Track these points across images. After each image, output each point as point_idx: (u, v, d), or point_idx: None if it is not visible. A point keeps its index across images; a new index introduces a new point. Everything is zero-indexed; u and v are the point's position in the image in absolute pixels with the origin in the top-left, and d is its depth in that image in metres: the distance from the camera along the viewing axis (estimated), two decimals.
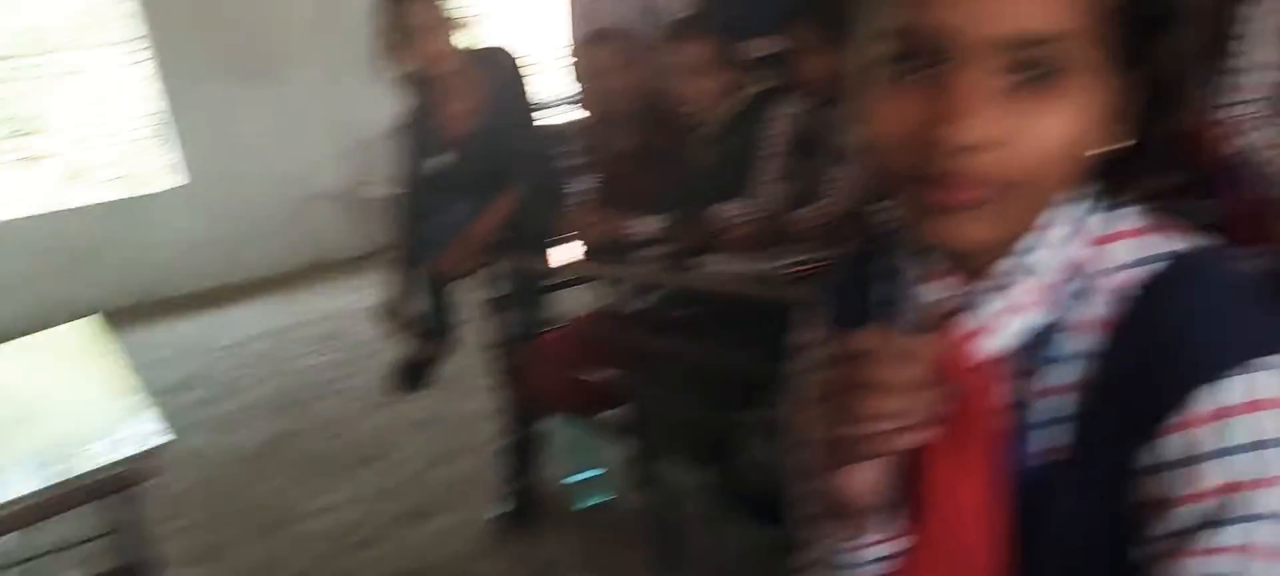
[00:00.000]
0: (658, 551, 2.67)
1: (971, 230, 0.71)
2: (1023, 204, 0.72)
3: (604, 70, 2.79)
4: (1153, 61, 0.73)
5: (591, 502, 3.07)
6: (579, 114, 3.03)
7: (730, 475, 2.33)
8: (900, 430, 0.72)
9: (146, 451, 1.65)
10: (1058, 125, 0.69)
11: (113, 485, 1.65)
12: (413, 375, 3.22)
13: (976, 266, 0.78)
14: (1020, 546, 0.78)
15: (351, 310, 6.38)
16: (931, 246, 0.80)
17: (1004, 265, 0.77)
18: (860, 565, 0.81)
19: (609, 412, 2.83)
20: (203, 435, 4.36)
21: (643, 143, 2.78)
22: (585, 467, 3.08)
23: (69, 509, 1.88)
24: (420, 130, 2.99)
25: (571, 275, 3.04)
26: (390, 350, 3.26)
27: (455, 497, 3.33)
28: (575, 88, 2.95)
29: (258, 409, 4.66)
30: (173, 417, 4.61)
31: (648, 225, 2.58)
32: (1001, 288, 0.77)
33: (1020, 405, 0.78)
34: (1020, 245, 0.76)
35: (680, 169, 2.64)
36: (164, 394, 4.96)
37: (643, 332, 2.50)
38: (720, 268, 2.18)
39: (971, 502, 0.78)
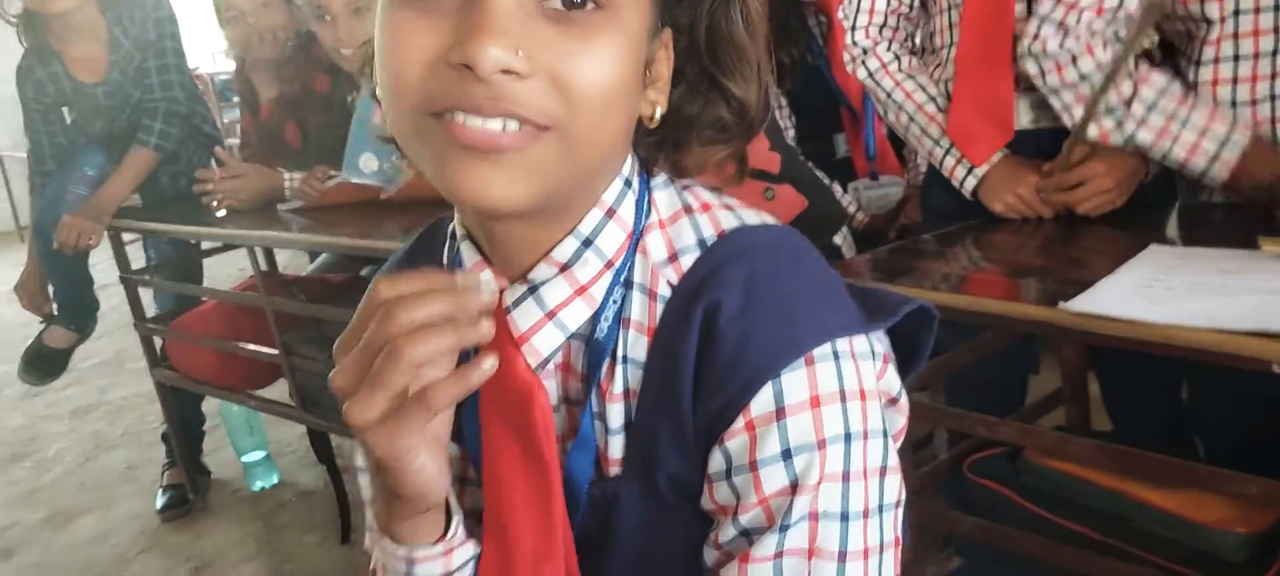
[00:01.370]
0: (338, 527, 2.50)
1: (498, 183, 0.60)
2: (557, 159, 0.61)
3: (248, 10, 2.53)
4: (703, 23, 0.67)
5: (262, 485, 2.85)
6: (226, 59, 2.75)
7: None
8: (437, 376, 0.61)
9: None
10: (598, 63, 0.60)
11: None
12: (47, 362, 2.85)
13: (515, 256, 0.69)
14: (591, 558, 0.71)
15: (5, 287, 5.68)
16: (464, 213, 0.70)
17: (566, 245, 0.67)
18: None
19: (273, 387, 2.61)
20: None
21: (294, 90, 2.54)
22: (252, 449, 2.84)
23: None
24: (41, 80, 2.61)
25: (220, 241, 2.77)
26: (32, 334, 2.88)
27: (112, 493, 3.01)
28: (222, 30, 2.66)
29: None
30: None
31: (299, 180, 2.36)
32: (564, 270, 0.68)
33: (578, 407, 0.71)
34: (585, 224, 0.67)
35: (334, 117, 2.44)
36: None
37: (301, 298, 2.30)
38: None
39: (529, 512, 0.70)
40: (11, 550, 2.76)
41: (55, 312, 2.82)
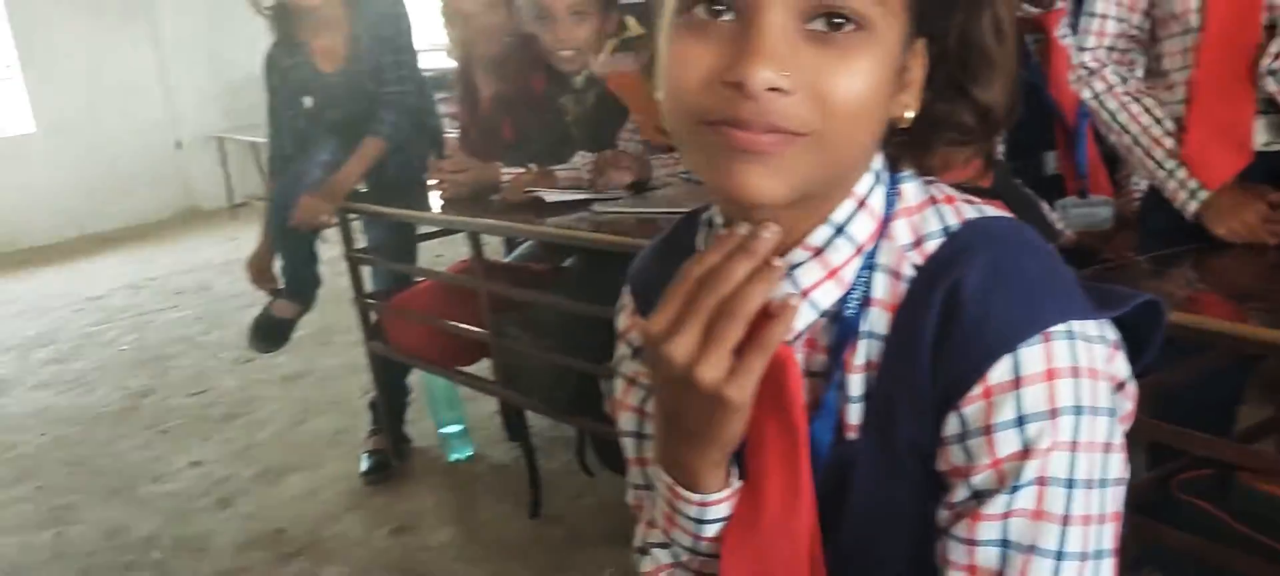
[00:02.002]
0: (528, 501, 2.63)
1: (761, 181, 0.68)
2: (813, 160, 0.69)
3: (472, 11, 2.69)
4: (955, 32, 0.73)
5: (458, 456, 3.02)
6: (448, 57, 2.93)
7: (594, 426, 2.30)
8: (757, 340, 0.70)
9: None
10: (855, 79, 0.68)
11: None
12: (273, 332, 3.10)
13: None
14: (826, 516, 0.78)
15: (217, 262, 6.16)
16: (728, 206, 0.78)
17: (820, 233, 0.75)
18: (702, 526, 0.79)
19: (475, 365, 2.78)
20: (56, 395, 4.15)
21: (514, 87, 2.70)
22: (452, 421, 3.02)
23: None
24: (287, 68, 2.85)
25: (438, 226, 2.96)
26: (260, 303, 3.14)
27: (319, 454, 3.24)
28: (445, 29, 2.85)
29: (115, 366, 4.46)
30: (24, 375, 4.45)
31: (514, 175, 2.50)
32: (818, 254, 0.75)
33: (820, 379, 0.77)
34: (838, 213, 0.75)
35: (549, 116, 2.58)
36: (15, 350, 4.71)
37: (508, 284, 2.44)
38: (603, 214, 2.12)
39: (779, 474, 0.77)
40: (229, 500, 3.02)
41: (281, 287, 3.07)
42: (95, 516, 3.02)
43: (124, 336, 4.90)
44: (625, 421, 0.92)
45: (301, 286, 3.03)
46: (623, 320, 0.93)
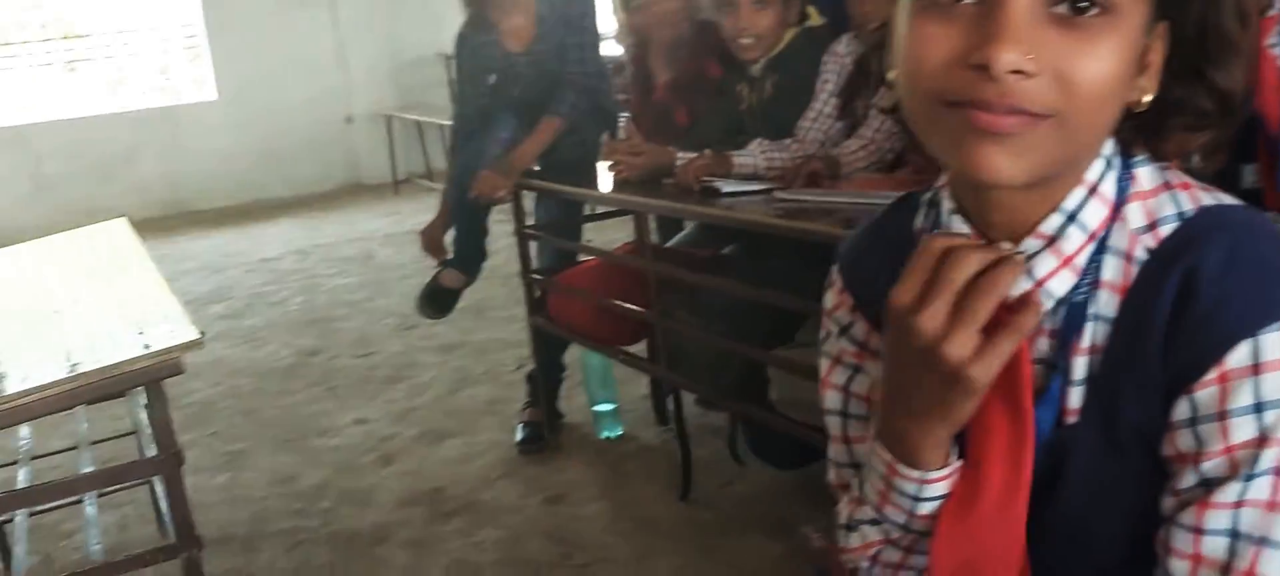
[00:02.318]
0: (678, 483, 2.67)
1: (1002, 162, 0.69)
2: (1054, 143, 0.69)
3: None
4: (1196, 14, 0.72)
5: (609, 434, 3.07)
6: (617, 43, 3.00)
7: (753, 414, 2.31)
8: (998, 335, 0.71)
9: (173, 347, 1.65)
10: (1098, 63, 0.68)
11: (139, 377, 1.65)
12: (440, 301, 3.22)
13: (1006, 224, 0.76)
14: (1041, 501, 0.78)
15: (380, 234, 6.41)
16: (964, 188, 0.78)
17: (1052, 220, 0.75)
18: (918, 504, 0.80)
19: (635, 346, 2.83)
20: (229, 347, 4.40)
21: (689, 73, 2.73)
22: (605, 400, 3.07)
23: (95, 399, 1.90)
24: (477, 47, 2.96)
25: (608, 206, 3.02)
26: (421, 273, 3.27)
27: (476, 421, 3.35)
28: (619, 15, 2.91)
29: (285, 324, 4.70)
30: (200, 328, 4.69)
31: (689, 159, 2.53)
32: (1051, 243, 0.75)
33: (1044, 365, 0.78)
34: (1069, 200, 0.75)
35: (723, 104, 2.60)
36: (191, 306, 4.99)
37: (674, 266, 2.48)
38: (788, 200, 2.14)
39: (1002, 457, 0.77)
40: (391, 457, 3.15)
41: (450, 258, 3.19)
42: (266, 463, 3.19)
43: (293, 297, 5.16)
44: (830, 400, 0.93)
45: (470, 259, 3.15)
46: (830, 298, 0.94)
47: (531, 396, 3.16)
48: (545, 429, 3.09)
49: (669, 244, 2.88)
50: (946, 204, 0.81)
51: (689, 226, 2.85)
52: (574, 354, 3.13)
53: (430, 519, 2.72)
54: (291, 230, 6.86)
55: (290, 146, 7.93)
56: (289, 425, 3.49)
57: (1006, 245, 0.74)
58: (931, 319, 0.71)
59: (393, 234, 6.33)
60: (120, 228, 2.78)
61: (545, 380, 3.09)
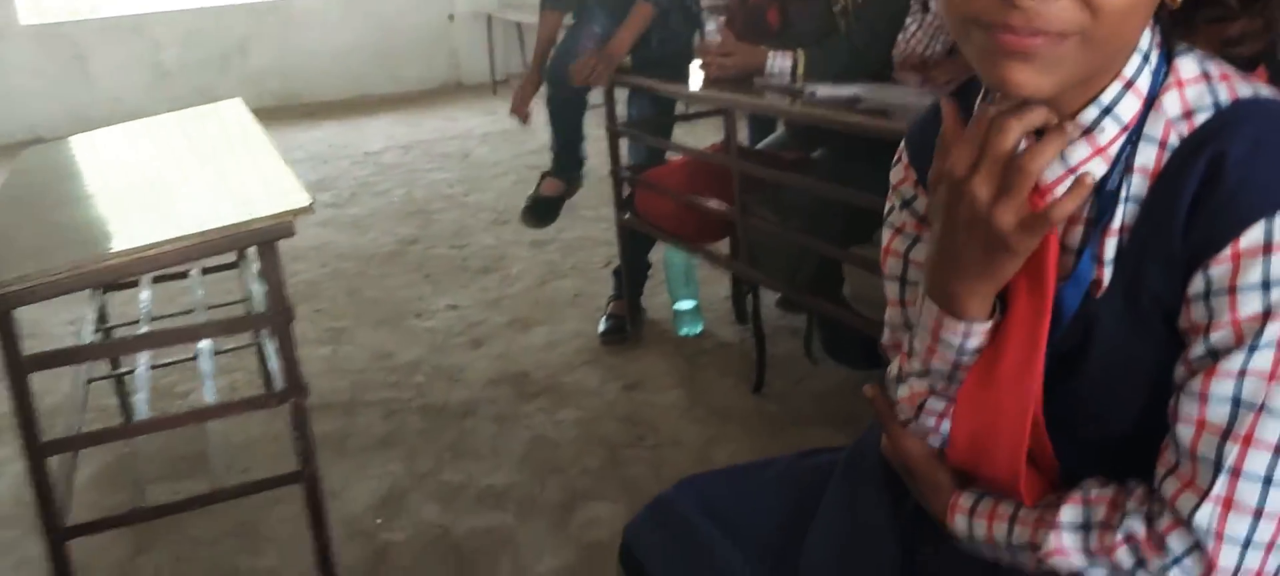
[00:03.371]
0: (753, 377, 2.76)
1: (1028, 77, 0.74)
2: (1080, 56, 0.74)
3: None
4: None
5: (688, 331, 3.18)
6: None
7: (827, 309, 2.38)
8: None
9: (286, 211, 1.76)
10: None
11: (255, 237, 1.77)
12: (544, 210, 3.35)
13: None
14: (1068, 370, 0.83)
15: (478, 133, 6.56)
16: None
17: (1088, 112, 0.80)
18: (962, 354, 0.86)
19: (718, 244, 2.91)
20: (335, 233, 4.61)
21: None
22: (687, 298, 3.17)
23: (213, 255, 2.04)
24: None
25: (698, 104, 3.07)
26: (516, 171, 3.39)
27: (561, 312, 3.49)
28: None
29: (387, 214, 4.89)
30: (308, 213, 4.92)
31: (780, 60, 2.58)
32: (1086, 134, 0.80)
33: (1073, 252, 0.83)
34: (1106, 94, 0.79)
35: (816, 5, 2.62)
36: None
37: (759, 166, 2.54)
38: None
39: (1020, 332, 0.83)
40: (481, 341, 3.30)
41: (555, 168, 3.31)
42: (366, 339, 3.38)
43: (395, 189, 5.35)
44: (891, 266, 1.00)
45: (568, 165, 3.27)
46: (897, 173, 1.00)
47: (617, 290, 3.27)
48: (628, 322, 3.20)
49: (760, 146, 2.94)
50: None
51: (780, 130, 2.91)
52: (659, 255, 3.23)
53: (515, 398, 2.87)
54: (394, 126, 7.06)
55: (394, 43, 8.11)
56: (388, 306, 3.68)
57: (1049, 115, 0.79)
58: (981, 186, 0.77)
59: (490, 133, 6.48)
60: (236, 107, 2.94)
61: (630, 275, 3.20)
